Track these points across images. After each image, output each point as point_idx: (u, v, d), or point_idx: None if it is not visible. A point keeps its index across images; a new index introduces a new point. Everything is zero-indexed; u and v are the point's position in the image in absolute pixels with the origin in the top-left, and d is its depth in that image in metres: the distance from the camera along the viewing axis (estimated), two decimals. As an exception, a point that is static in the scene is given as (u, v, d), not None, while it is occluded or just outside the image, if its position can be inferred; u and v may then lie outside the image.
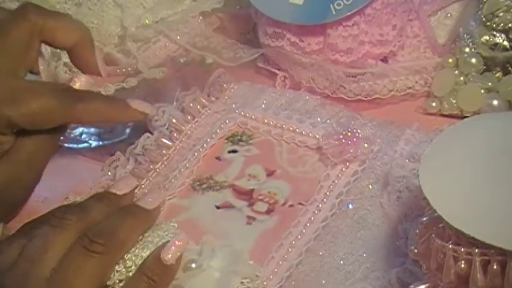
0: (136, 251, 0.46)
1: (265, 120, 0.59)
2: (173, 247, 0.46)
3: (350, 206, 0.52)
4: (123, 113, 0.57)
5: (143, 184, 0.57)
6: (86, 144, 0.63)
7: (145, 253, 0.46)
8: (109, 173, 0.58)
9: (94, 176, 0.59)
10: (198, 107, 0.62)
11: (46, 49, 0.62)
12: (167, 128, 0.60)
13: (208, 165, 0.57)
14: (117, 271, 0.46)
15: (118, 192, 0.50)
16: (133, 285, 0.45)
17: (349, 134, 0.54)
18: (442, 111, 0.60)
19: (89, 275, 0.44)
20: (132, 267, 0.46)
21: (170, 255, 0.45)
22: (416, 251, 0.42)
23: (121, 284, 0.45)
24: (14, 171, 0.53)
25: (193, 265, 0.47)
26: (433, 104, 0.60)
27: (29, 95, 0.52)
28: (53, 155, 0.56)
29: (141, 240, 0.47)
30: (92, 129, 0.64)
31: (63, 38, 0.56)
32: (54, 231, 0.45)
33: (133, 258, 0.46)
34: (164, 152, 0.59)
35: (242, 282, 0.47)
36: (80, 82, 0.57)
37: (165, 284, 0.46)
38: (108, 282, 0.45)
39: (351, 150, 0.54)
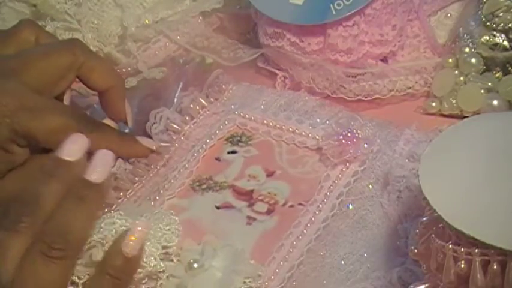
0: None
1: (265, 121, 0.59)
2: (133, 237, 0.44)
3: (350, 206, 0.52)
4: (132, 148, 0.59)
5: (143, 181, 0.57)
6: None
7: (147, 245, 0.46)
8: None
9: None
10: (197, 107, 0.62)
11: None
12: (166, 130, 0.60)
13: (208, 166, 0.57)
14: None
15: (67, 158, 0.46)
16: (97, 286, 0.44)
17: (348, 134, 0.54)
18: (442, 111, 0.60)
19: (51, 282, 0.42)
20: None
21: (131, 248, 0.44)
22: (416, 251, 0.42)
23: None
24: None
25: (196, 265, 0.47)
26: (433, 104, 0.60)
27: (51, 111, 0.53)
28: None
29: None
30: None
31: (98, 80, 0.58)
32: (9, 236, 0.43)
33: None
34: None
35: (244, 282, 0.47)
36: None
37: (130, 278, 0.45)
38: None
39: (351, 151, 0.54)
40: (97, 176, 0.46)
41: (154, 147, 0.59)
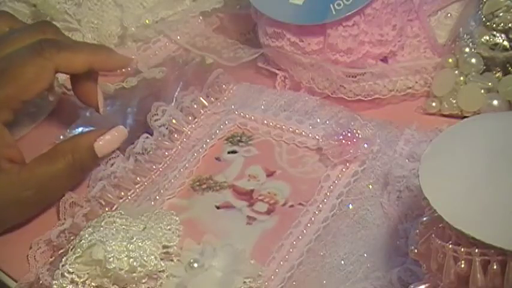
0: (140, 242, 0.46)
1: (265, 121, 0.59)
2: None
3: (350, 206, 0.52)
4: (108, 57, 0.59)
5: (145, 182, 0.57)
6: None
7: (148, 245, 0.46)
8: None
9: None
10: (198, 107, 0.62)
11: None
12: (167, 128, 0.60)
13: (208, 166, 0.57)
14: (118, 259, 0.45)
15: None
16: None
17: (348, 134, 0.54)
18: (442, 111, 0.60)
19: None
20: (137, 258, 0.46)
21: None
22: (416, 251, 0.42)
23: (121, 272, 0.45)
24: (17, 193, 0.54)
25: (196, 265, 0.47)
26: (433, 104, 0.60)
27: (14, 69, 0.54)
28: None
29: (143, 231, 0.47)
30: (92, 129, 0.64)
31: (76, 69, 0.58)
32: None
33: (137, 249, 0.46)
34: (167, 153, 0.59)
35: (245, 282, 0.47)
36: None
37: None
38: (108, 266, 0.45)
39: (351, 151, 0.54)
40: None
41: (133, 57, 0.59)
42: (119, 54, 0.59)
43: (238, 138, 0.59)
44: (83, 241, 0.47)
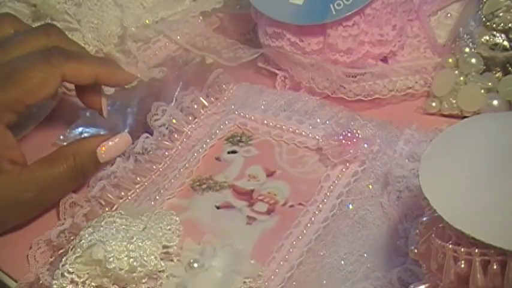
0: (140, 242, 0.46)
1: (265, 121, 0.59)
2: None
3: (350, 206, 0.52)
4: (114, 72, 0.59)
5: (146, 182, 0.57)
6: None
7: (148, 245, 0.46)
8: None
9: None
10: (198, 107, 0.62)
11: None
12: (167, 128, 0.60)
13: (208, 166, 0.58)
14: (118, 259, 0.45)
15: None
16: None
17: (348, 134, 0.54)
18: (442, 111, 0.60)
19: None
20: (137, 258, 0.46)
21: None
22: (416, 251, 0.42)
23: (121, 272, 0.45)
24: (18, 195, 0.53)
25: (196, 264, 0.47)
26: (433, 104, 0.60)
27: (20, 73, 0.54)
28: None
29: (143, 231, 0.47)
30: (92, 129, 0.64)
31: (82, 80, 0.58)
32: None
33: (137, 249, 0.46)
34: (167, 153, 0.59)
35: (244, 282, 0.47)
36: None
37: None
38: (108, 266, 0.45)
39: (351, 151, 0.54)
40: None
41: (139, 75, 0.59)
42: (125, 71, 0.59)
43: (238, 138, 0.59)
44: (83, 241, 0.47)
